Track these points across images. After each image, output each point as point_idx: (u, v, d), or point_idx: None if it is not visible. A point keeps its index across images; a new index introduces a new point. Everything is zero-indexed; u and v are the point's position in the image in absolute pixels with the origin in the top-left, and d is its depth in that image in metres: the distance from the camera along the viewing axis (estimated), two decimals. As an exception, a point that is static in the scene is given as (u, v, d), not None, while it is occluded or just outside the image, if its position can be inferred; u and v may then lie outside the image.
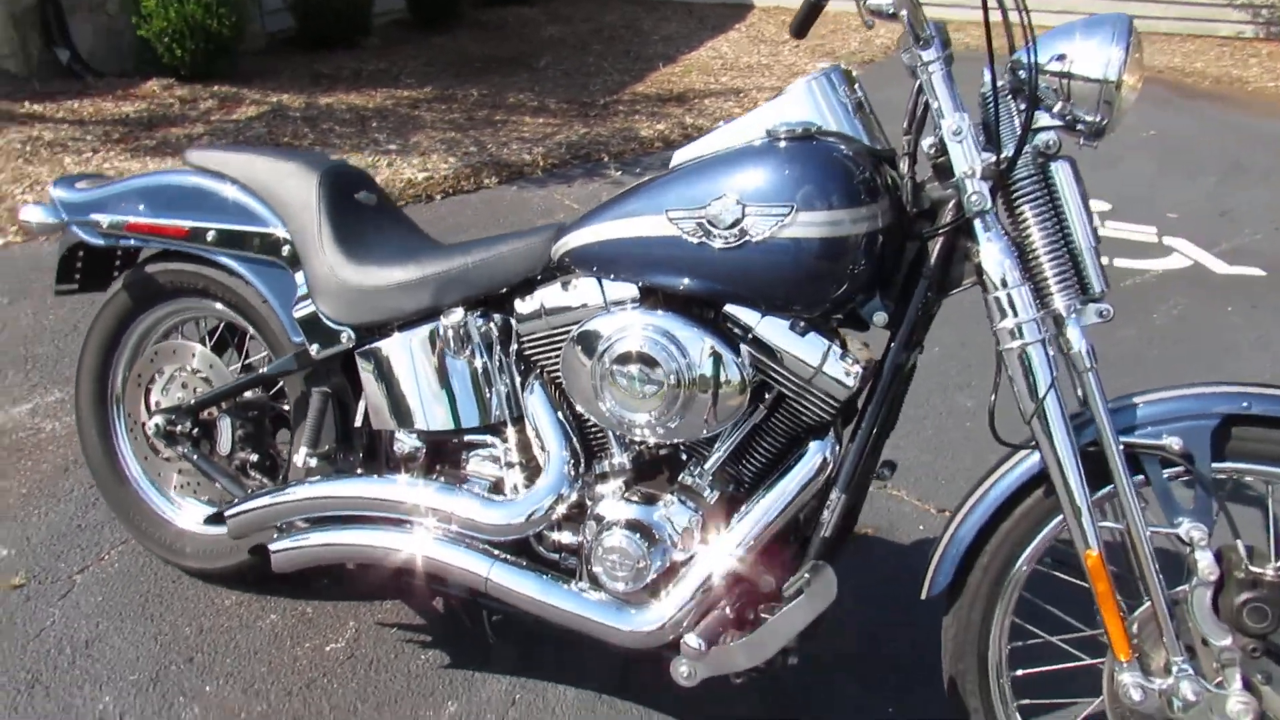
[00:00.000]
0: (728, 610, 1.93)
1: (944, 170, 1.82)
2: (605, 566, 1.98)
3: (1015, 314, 1.73)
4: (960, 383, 3.65)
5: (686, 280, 1.87)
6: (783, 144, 1.81)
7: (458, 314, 2.12)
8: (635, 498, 2.02)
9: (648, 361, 1.87)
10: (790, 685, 2.34)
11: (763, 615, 1.90)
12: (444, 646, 2.46)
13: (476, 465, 2.22)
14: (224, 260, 2.38)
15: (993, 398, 1.77)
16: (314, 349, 2.24)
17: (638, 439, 1.98)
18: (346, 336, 2.22)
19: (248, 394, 2.47)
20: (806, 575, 1.86)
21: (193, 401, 2.45)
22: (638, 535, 1.96)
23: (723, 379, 1.85)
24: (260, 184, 2.34)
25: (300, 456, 2.25)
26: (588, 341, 1.95)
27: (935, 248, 1.85)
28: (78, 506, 2.94)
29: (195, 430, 2.46)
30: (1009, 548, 1.87)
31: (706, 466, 1.98)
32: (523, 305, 2.09)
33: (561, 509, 2.02)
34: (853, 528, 2.06)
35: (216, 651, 2.44)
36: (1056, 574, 1.90)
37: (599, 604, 1.99)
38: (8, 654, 2.40)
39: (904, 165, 1.87)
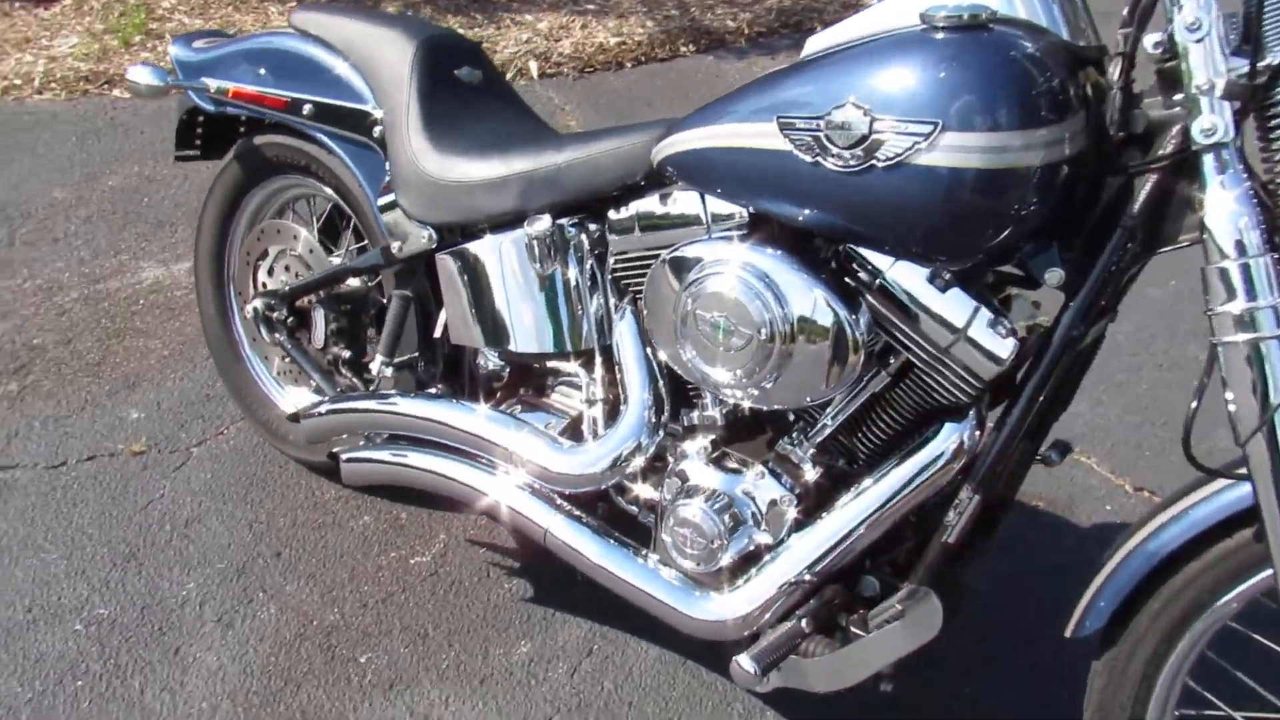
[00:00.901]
0: (813, 613, 1.59)
1: (1171, 80, 1.32)
2: (675, 539, 1.68)
3: (1248, 295, 1.23)
4: (1195, 329, 3.00)
5: (795, 208, 1.47)
6: (940, 34, 1.35)
7: (544, 222, 1.81)
8: (721, 462, 1.70)
9: (735, 307, 1.51)
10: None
11: (853, 629, 1.55)
12: (529, 577, 2.27)
13: (560, 397, 1.95)
14: (321, 137, 2.17)
15: (1194, 405, 1.29)
16: (395, 246, 2.01)
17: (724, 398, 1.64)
18: (428, 236, 1.97)
19: (347, 285, 2.28)
20: (906, 598, 1.49)
21: (288, 288, 2.29)
22: (716, 508, 1.64)
23: (831, 340, 1.46)
24: (357, 53, 2.10)
25: (377, 364, 2.06)
26: (674, 271, 1.60)
27: (1144, 188, 1.36)
28: (210, 375, 2.93)
29: (290, 319, 2.31)
30: (1195, 594, 1.41)
31: (810, 435, 1.62)
32: (617, 217, 1.76)
33: (636, 462, 1.72)
34: (993, 532, 1.65)
35: (304, 549, 2.35)
36: (1254, 636, 1.43)
37: (664, 581, 1.70)
38: (114, 523, 2.41)
39: (1114, 70, 1.36)
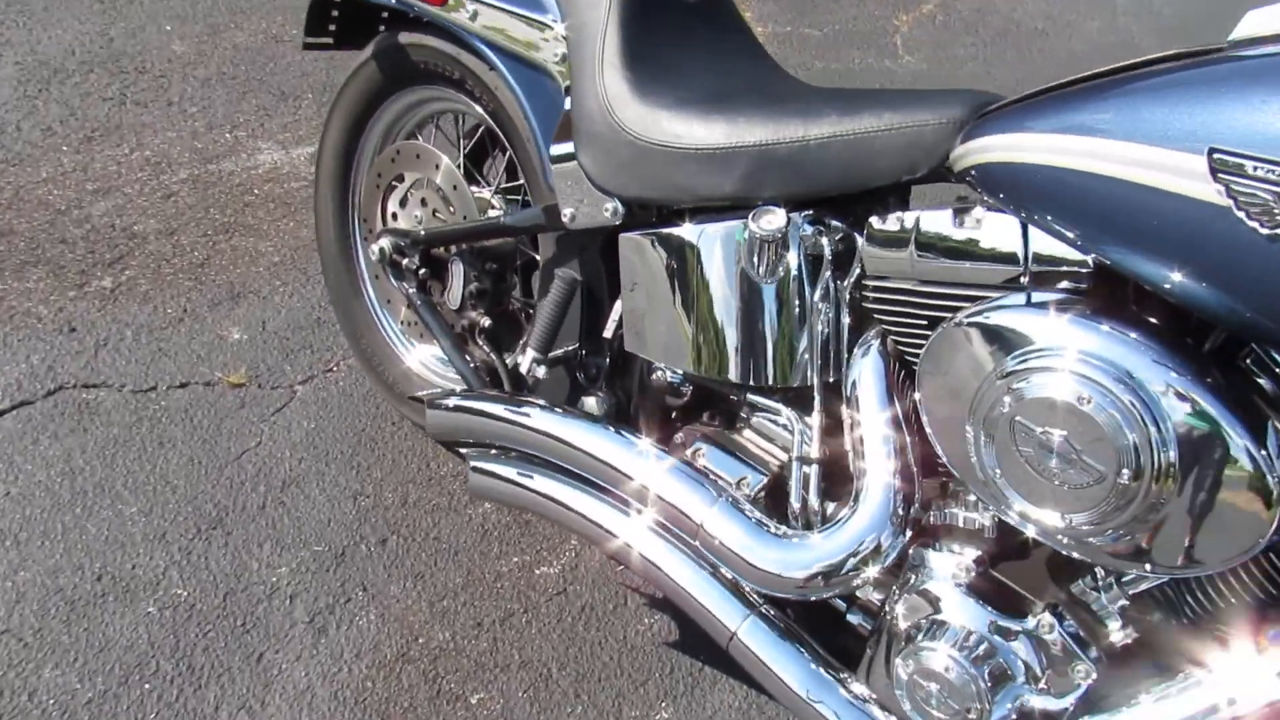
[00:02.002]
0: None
1: None
2: (914, 688, 1.24)
3: None
4: None
5: (1203, 284, 0.97)
6: None
7: (776, 216, 1.33)
8: (987, 592, 1.23)
9: (1084, 427, 1.02)
10: None
11: None
12: (673, 611, 1.87)
13: (758, 440, 1.50)
14: (482, 48, 1.69)
15: None
16: (567, 213, 1.55)
17: (1056, 543, 1.15)
18: (612, 210, 1.50)
19: (494, 239, 1.84)
20: None
21: (423, 233, 1.86)
22: (976, 659, 1.19)
23: (1242, 487, 0.97)
24: (541, -57, 1.59)
25: (526, 359, 1.63)
26: (980, 344, 1.11)
27: None
28: (321, 294, 2.55)
29: (423, 270, 1.89)
30: None
31: (1126, 580, 1.15)
32: (882, 227, 1.27)
33: (871, 571, 1.27)
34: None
35: (414, 538, 1.99)
36: None
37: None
38: (203, 475, 2.09)
39: None
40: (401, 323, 2.09)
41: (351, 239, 2.16)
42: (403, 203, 1.98)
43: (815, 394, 1.40)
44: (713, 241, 1.41)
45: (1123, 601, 1.16)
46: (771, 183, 1.34)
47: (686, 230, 1.43)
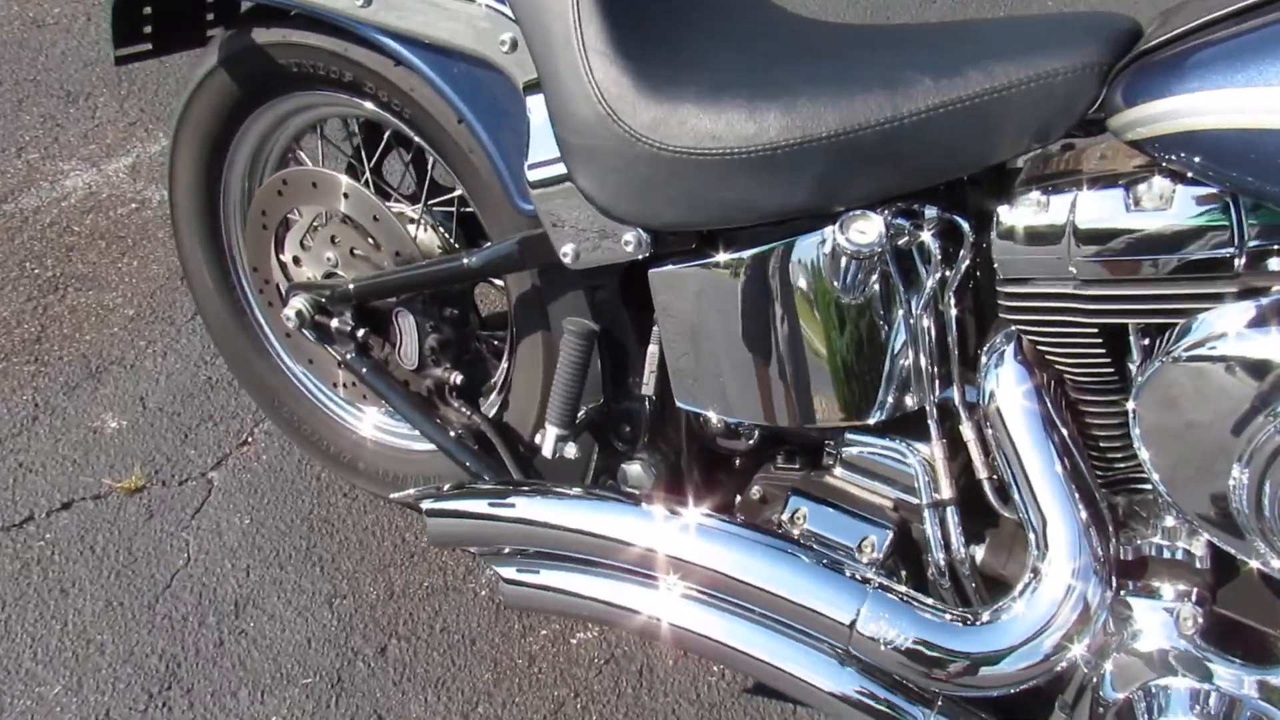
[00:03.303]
0: None
1: None
2: (1163, 773, 1.02)
3: None
4: None
5: None
6: None
7: (869, 224, 1.03)
8: (1223, 638, 1.02)
9: None
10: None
11: None
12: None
13: (862, 483, 1.22)
14: (386, 43, 1.28)
15: None
16: (567, 251, 1.19)
17: None
18: (635, 242, 1.15)
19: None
20: None
21: (352, 287, 1.46)
22: (1238, 723, 0.98)
23: None
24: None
25: (548, 438, 1.29)
26: (1227, 376, 0.86)
27: None
28: (202, 345, 2.10)
29: (360, 331, 1.50)
30: None
31: None
32: (1014, 213, 0.99)
33: (1085, 640, 1.03)
34: None
35: (418, 636, 1.66)
36: None
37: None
38: (131, 621, 1.67)
39: None
40: (337, 385, 1.69)
41: (240, 292, 1.73)
42: (304, 245, 1.56)
43: (931, 419, 1.13)
44: (784, 264, 1.10)
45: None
46: (858, 182, 1.03)
47: (744, 255, 1.11)
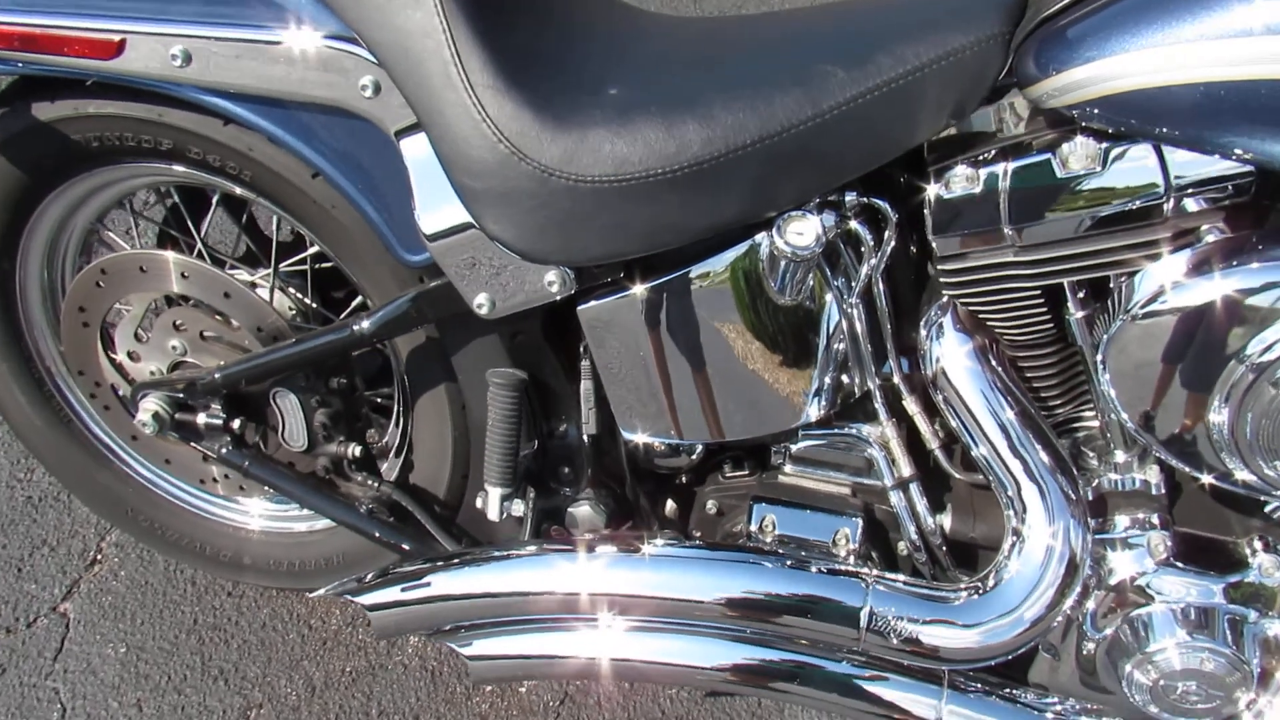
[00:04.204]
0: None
1: None
2: (1163, 697, 1.07)
3: None
4: None
5: None
6: None
7: (806, 224, 1.01)
8: (1191, 555, 1.08)
9: None
10: None
11: None
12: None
13: (821, 475, 1.21)
14: (220, 105, 1.12)
15: None
16: (481, 301, 1.09)
17: None
18: (559, 281, 1.07)
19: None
20: None
21: (215, 378, 1.29)
22: (1218, 636, 1.05)
23: None
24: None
25: (493, 502, 1.19)
26: (1192, 326, 0.90)
27: None
28: (10, 461, 1.83)
29: (235, 422, 1.33)
30: None
31: None
32: (948, 191, 1.00)
33: (1077, 588, 1.06)
34: None
35: (354, 728, 1.53)
36: None
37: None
38: (12, 796, 1.46)
39: None
40: (205, 482, 1.51)
41: (60, 401, 1.51)
42: (140, 338, 1.37)
43: (877, 401, 1.13)
44: (719, 278, 1.05)
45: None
46: (787, 184, 1.00)
47: (677, 276, 1.06)
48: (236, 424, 1.33)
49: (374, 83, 1.05)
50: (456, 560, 1.21)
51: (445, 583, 1.20)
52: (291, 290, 1.44)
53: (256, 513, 1.55)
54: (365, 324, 1.18)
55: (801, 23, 1.07)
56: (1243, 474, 0.95)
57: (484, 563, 1.20)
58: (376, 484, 1.36)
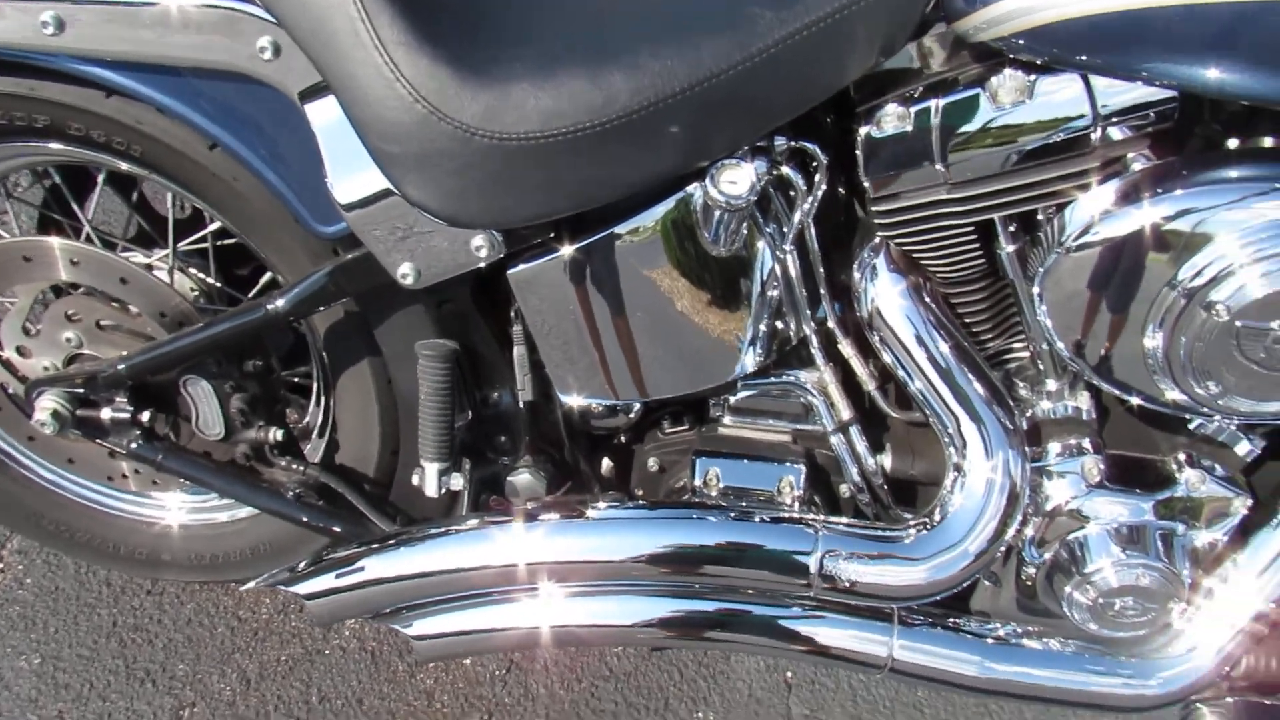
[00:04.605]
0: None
1: None
2: (1102, 613, 1.11)
3: None
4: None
5: None
6: None
7: (740, 172, 0.99)
8: (1122, 476, 1.11)
9: None
10: None
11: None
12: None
13: (760, 424, 1.21)
14: (101, 75, 1.04)
15: None
16: (405, 271, 1.04)
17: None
18: (487, 246, 1.03)
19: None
20: None
21: (120, 369, 1.21)
22: (1151, 551, 1.09)
23: None
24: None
25: (430, 478, 1.15)
26: (1125, 256, 0.92)
27: None
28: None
29: (144, 414, 1.26)
30: None
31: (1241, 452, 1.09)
32: (880, 131, 0.99)
33: (1018, 515, 1.08)
34: None
35: (296, 716, 1.48)
36: None
37: (1077, 660, 1.15)
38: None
39: None
40: (114, 479, 1.42)
41: (-55, 402, 1.40)
42: (29, 331, 1.28)
43: (814, 346, 1.13)
44: (652, 232, 1.03)
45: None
46: (719, 132, 0.97)
47: (609, 233, 1.03)
48: (145, 416, 1.25)
49: (273, 44, 0.99)
50: (393, 541, 1.17)
51: (383, 565, 1.16)
52: (193, 270, 1.36)
53: (173, 506, 1.47)
54: (279, 302, 1.12)
55: None
56: (1173, 394, 0.98)
57: (422, 541, 1.16)
58: (302, 467, 1.31)
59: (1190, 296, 0.90)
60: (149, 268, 1.28)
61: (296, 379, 1.42)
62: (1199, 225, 0.89)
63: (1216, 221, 0.88)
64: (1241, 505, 1.10)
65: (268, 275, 1.32)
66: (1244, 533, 1.10)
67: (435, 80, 0.92)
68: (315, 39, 0.94)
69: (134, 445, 1.27)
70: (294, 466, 1.31)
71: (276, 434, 1.29)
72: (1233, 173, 0.90)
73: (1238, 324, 0.89)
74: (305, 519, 1.29)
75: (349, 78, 0.94)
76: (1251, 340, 0.90)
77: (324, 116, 1.00)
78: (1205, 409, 0.98)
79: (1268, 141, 0.93)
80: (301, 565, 1.21)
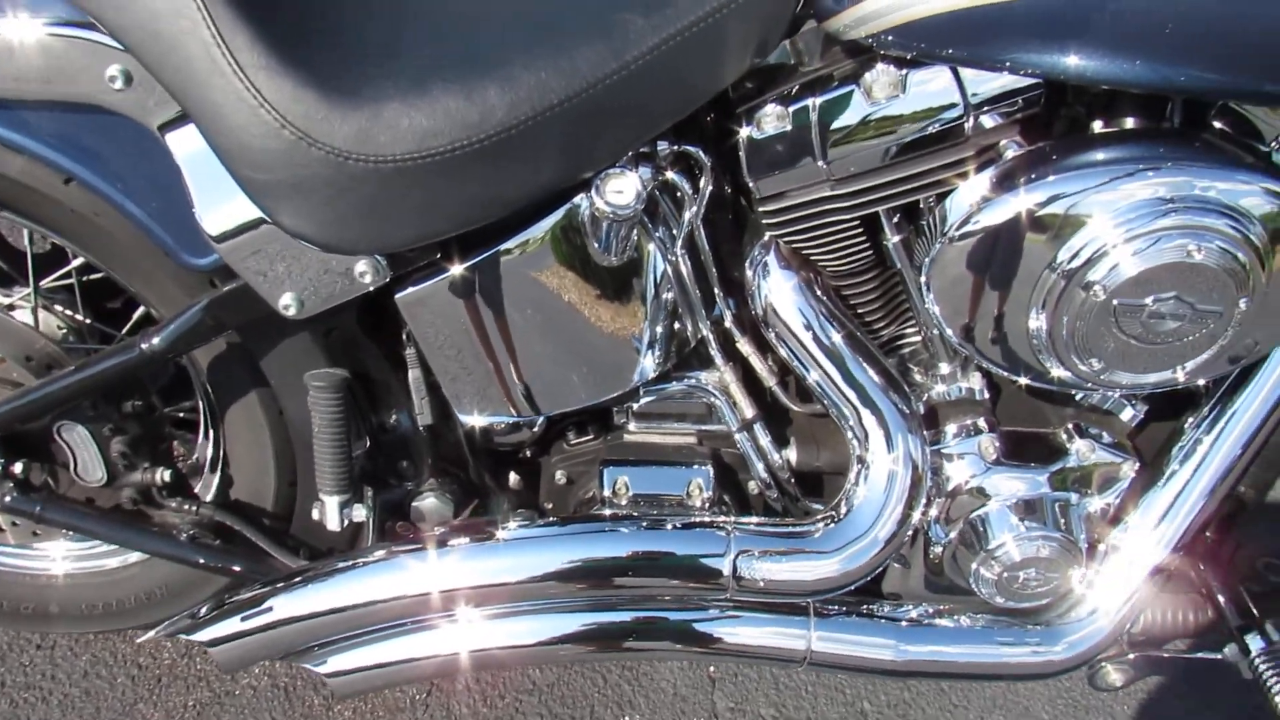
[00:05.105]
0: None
1: None
2: (1008, 587, 1.14)
3: None
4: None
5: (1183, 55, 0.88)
6: None
7: (625, 181, 0.98)
8: (1016, 452, 1.15)
9: (1196, 274, 0.90)
10: None
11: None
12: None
13: (664, 428, 1.21)
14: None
15: None
16: (287, 301, 1.00)
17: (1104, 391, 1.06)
18: (371, 271, 1.00)
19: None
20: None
21: (-12, 420, 1.14)
22: (1049, 522, 1.12)
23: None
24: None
25: (331, 512, 1.11)
26: (1004, 243, 0.94)
27: None
28: None
29: (13, 466, 1.18)
30: None
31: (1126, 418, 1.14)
32: (760, 132, 1.00)
33: (923, 499, 1.10)
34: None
35: (208, 764, 1.43)
36: None
37: (987, 634, 1.18)
38: None
39: None
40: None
41: None
42: (-125, 387, 1.19)
43: (712, 346, 1.13)
44: (540, 247, 1.01)
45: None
46: (600, 142, 0.96)
47: (496, 250, 1.00)
48: (18, 468, 1.18)
49: (123, 72, 0.93)
50: (299, 578, 1.13)
51: (290, 604, 1.12)
52: (58, 308, 1.29)
53: (58, 556, 1.39)
54: (155, 340, 1.06)
55: None
56: (1059, 371, 1.01)
57: (329, 576, 1.13)
58: (194, 507, 1.25)
59: (1069, 278, 0.93)
60: (10, 308, 1.21)
61: (182, 414, 1.36)
62: (1072, 209, 0.91)
63: (1088, 204, 0.91)
64: (1130, 469, 1.14)
65: (142, 309, 1.26)
66: (1134, 495, 1.15)
67: (301, 104, 0.88)
68: (168, 67, 0.89)
69: (8, 499, 1.19)
70: (186, 506, 1.25)
71: (164, 474, 1.23)
72: (1100, 155, 0.93)
73: (1114, 302, 0.92)
74: (202, 560, 1.24)
75: (209, 105, 0.89)
76: (1128, 317, 0.93)
77: (186, 146, 0.95)
78: (1089, 384, 1.01)
79: (1129, 123, 0.96)
80: (203, 610, 1.16)
